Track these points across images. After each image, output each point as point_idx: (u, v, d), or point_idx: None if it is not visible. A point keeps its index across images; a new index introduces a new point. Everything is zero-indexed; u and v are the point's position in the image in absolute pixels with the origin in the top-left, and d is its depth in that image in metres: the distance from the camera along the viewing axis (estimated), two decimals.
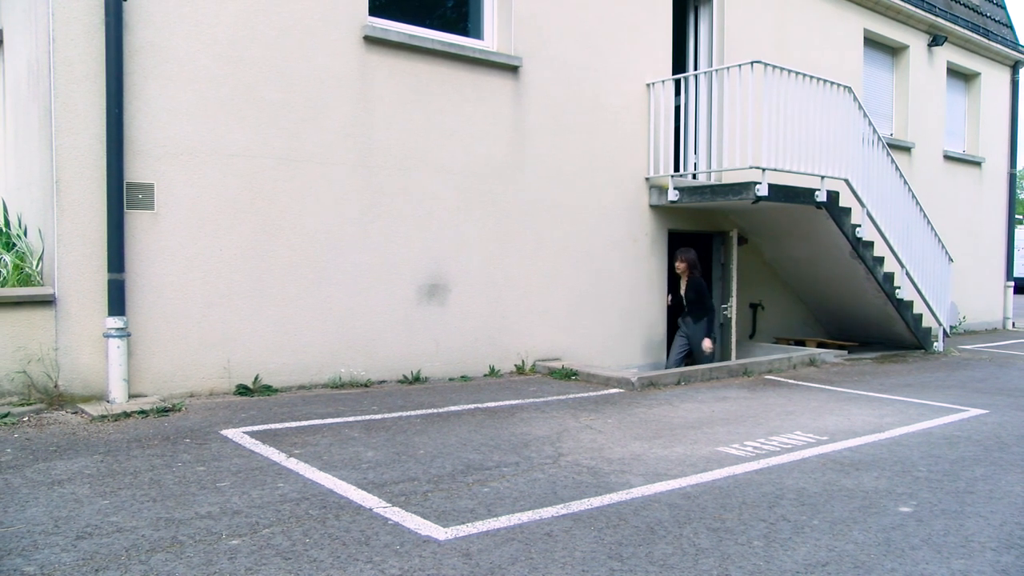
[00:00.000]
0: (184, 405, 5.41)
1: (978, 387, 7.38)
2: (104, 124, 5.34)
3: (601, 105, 8.12)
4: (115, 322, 5.30)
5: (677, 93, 8.52)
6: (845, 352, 9.25)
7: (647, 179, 8.52)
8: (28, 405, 5.14)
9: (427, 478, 3.96)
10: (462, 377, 7.09)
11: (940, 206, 12.51)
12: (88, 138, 5.35)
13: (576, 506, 3.58)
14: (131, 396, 5.42)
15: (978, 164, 14.00)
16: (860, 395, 6.77)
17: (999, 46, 13.99)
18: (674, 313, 8.52)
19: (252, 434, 4.73)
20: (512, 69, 7.41)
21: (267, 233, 6.08)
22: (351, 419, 5.24)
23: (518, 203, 7.52)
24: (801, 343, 9.95)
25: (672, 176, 8.41)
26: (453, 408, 5.73)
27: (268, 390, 6.00)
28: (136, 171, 5.51)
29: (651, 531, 3.29)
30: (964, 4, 13.61)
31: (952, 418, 5.84)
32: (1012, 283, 14.76)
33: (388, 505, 3.52)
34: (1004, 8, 14.91)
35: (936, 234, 9.98)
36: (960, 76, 13.95)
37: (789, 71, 7.89)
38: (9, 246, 5.92)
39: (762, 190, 7.57)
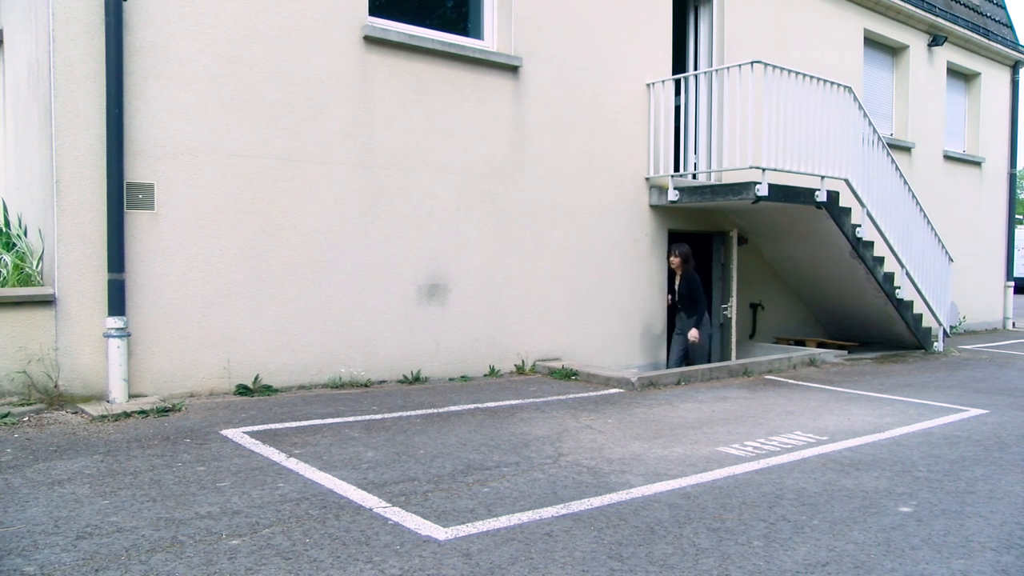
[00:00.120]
0: (184, 405, 5.41)
1: (978, 387, 7.39)
2: (104, 124, 5.34)
3: (601, 105, 8.12)
4: (115, 322, 5.30)
5: (677, 93, 8.52)
6: (845, 352, 9.25)
7: (647, 179, 8.52)
8: (28, 405, 5.14)
9: (427, 478, 3.96)
10: (462, 377, 7.09)
11: (940, 206, 12.51)
12: (88, 138, 5.35)
13: (576, 506, 3.58)
14: (131, 396, 5.42)
15: (978, 164, 14.00)
16: (860, 395, 6.77)
17: (999, 46, 13.99)
18: (675, 313, 8.51)
19: (252, 434, 4.73)
20: (512, 69, 7.41)
21: (267, 233, 6.08)
22: (351, 419, 5.24)
23: (518, 203, 7.52)
24: (801, 343, 9.95)
25: (672, 176, 8.41)
26: (453, 408, 5.73)
27: (268, 390, 6.00)
28: (136, 171, 5.51)
29: (651, 531, 3.29)
30: (964, 4, 13.61)
31: (952, 418, 5.84)
32: (1012, 283, 14.77)
33: (388, 505, 3.52)
34: (1004, 8, 14.91)
35: (936, 234, 9.98)
36: (960, 76, 13.95)
37: (789, 71, 7.89)
38: (9, 246, 5.92)
39: (762, 190, 7.57)
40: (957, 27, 12.91)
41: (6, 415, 4.90)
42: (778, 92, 7.77)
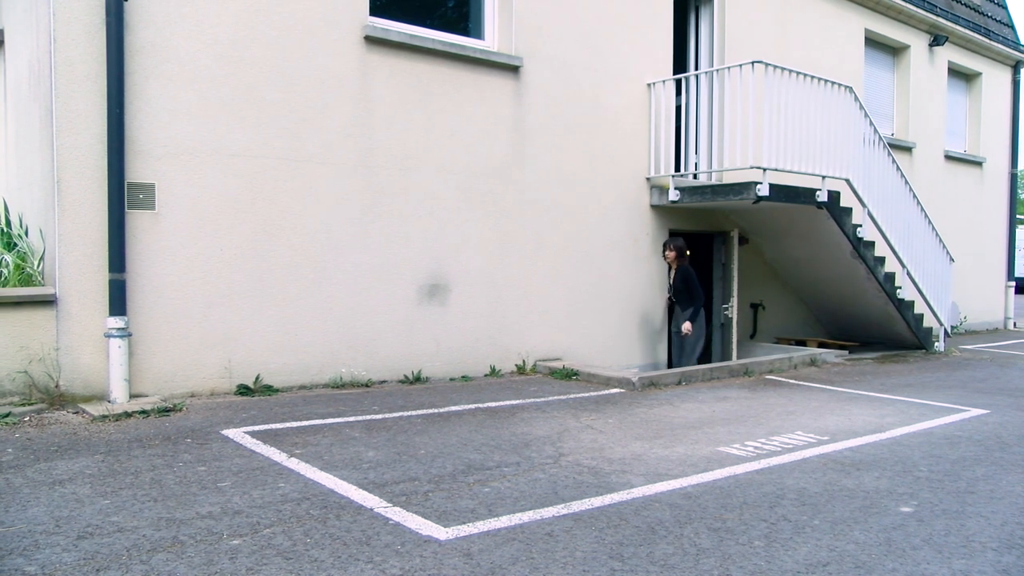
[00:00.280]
0: (185, 405, 5.41)
1: (979, 387, 7.38)
2: (105, 124, 5.34)
3: (602, 105, 8.12)
4: (116, 322, 5.30)
5: (678, 93, 8.52)
6: (846, 352, 9.25)
7: (648, 179, 8.52)
8: (29, 405, 5.14)
9: (428, 478, 3.96)
10: (463, 377, 7.09)
11: (941, 206, 12.50)
12: (89, 138, 5.35)
13: (577, 506, 3.58)
14: (132, 396, 5.42)
15: (979, 164, 14.00)
16: (861, 395, 6.77)
17: (1000, 46, 13.98)
18: (673, 311, 8.50)
19: (253, 434, 4.73)
20: (513, 69, 7.41)
21: (268, 233, 6.08)
22: (352, 419, 5.24)
23: (519, 203, 7.52)
24: (802, 343, 9.95)
25: (673, 176, 8.41)
26: (454, 408, 5.73)
27: (269, 390, 6.00)
28: (137, 171, 5.52)
29: (652, 531, 3.29)
30: (965, 4, 13.60)
31: (953, 418, 5.84)
32: (1013, 283, 14.76)
33: (389, 505, 3.52)
34: (1005, 8, 14.90)
35: (937, 234, 9.97)
36: (961, 76, 13.94)
37: (790, 71, 7.88)
38: (10, 246, 5.93)
39: (763, 190, 7.57)
40: (958, 27, 12.91)
41: (7, 415, 4.90)
42: (779, 92, 7.76)
